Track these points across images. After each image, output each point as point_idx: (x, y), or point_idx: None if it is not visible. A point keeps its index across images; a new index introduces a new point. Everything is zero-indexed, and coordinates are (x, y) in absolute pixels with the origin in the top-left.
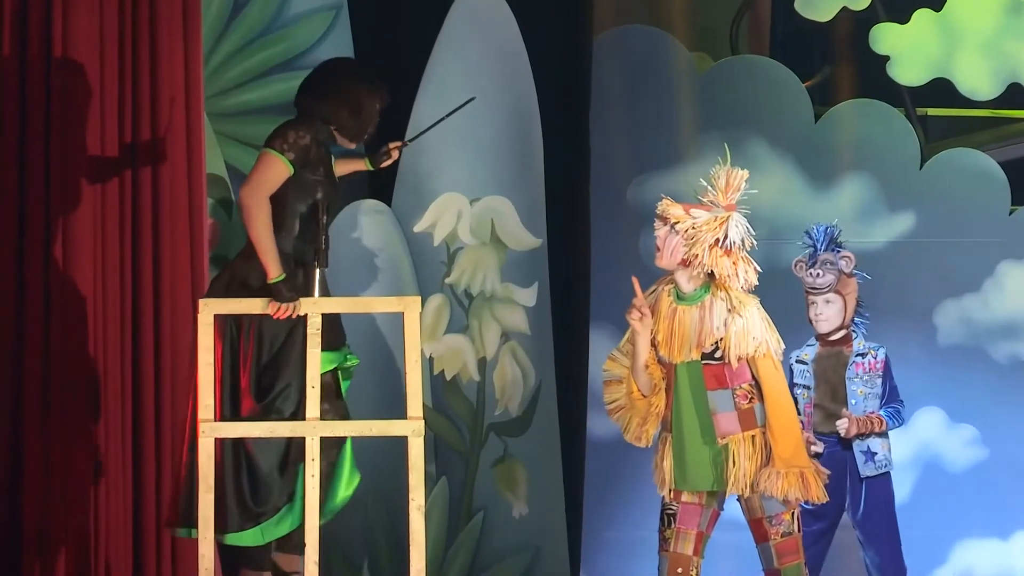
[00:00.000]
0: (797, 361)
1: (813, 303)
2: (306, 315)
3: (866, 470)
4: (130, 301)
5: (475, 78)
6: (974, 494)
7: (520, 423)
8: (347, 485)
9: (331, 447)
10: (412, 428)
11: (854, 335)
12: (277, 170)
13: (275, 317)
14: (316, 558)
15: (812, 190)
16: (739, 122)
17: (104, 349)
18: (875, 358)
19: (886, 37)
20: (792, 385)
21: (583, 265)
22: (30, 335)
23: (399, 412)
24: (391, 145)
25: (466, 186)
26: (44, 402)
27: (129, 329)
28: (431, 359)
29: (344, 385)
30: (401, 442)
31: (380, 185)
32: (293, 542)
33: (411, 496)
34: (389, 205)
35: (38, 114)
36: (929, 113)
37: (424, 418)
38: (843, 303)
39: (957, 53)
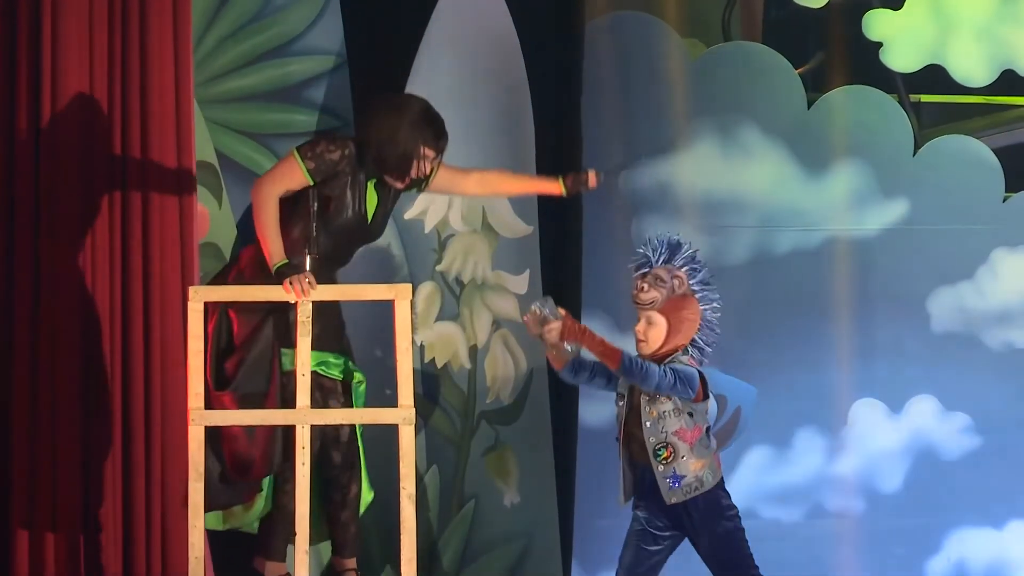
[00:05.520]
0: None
1: (639, 319)
2: (296, 303)
3: (672, 496)
4: (119, 288)
5: (467, 63)
6: (968, 483)
7: (511, 411)
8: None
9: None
10: (403, 416)
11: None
12: (289, 171)
13: (295, 296)
14: (307, 547)
15: (805, 177)
16: (731, 108)
17: (93, 337)
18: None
19: (879, 23)
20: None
21: (574, 252)
22: (19, 324)
23: (390, 400)
24: (590, 172)
25: None
26: (32, 392)
27: (119, 316)
28: (422, 347)
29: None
30: (392, 430)
31: None
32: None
33: (402, 485)
34: None
35: (30, 100)
36: (923, 99)
37: (415, 406)
38: (667, 327)
39: (951, 39)
